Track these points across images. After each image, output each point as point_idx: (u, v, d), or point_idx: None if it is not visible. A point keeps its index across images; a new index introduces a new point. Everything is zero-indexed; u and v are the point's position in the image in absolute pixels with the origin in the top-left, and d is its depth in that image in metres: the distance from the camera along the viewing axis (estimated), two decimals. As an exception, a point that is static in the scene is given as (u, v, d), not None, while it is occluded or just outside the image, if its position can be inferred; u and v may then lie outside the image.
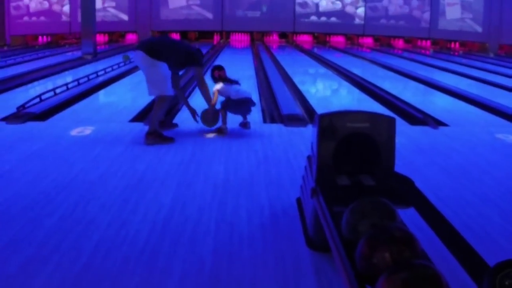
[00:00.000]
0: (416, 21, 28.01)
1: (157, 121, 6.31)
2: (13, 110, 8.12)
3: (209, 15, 27.43)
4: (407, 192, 3.50)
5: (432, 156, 6.08)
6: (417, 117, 8.27)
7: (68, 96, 9.76)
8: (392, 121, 3.46)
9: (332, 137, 3.35)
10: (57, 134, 6.87)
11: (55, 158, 5.71)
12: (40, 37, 28.38)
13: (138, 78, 10.80)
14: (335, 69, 15.13)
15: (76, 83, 11.26)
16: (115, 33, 27.97)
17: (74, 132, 6.93)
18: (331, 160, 3.37)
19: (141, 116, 7.99)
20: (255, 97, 9.50)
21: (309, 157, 3.77)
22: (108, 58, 18.02)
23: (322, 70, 15.72)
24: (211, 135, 6.71)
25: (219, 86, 6.73)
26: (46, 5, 27.64)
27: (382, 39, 28.45)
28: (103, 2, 27.24)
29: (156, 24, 27.21)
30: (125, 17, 27.44)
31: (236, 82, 6.82)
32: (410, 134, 7.02)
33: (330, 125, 3.35)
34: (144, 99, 8.58)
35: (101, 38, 27.02)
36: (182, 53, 6.55)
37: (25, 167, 5.37)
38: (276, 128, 7.25)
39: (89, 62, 16.94)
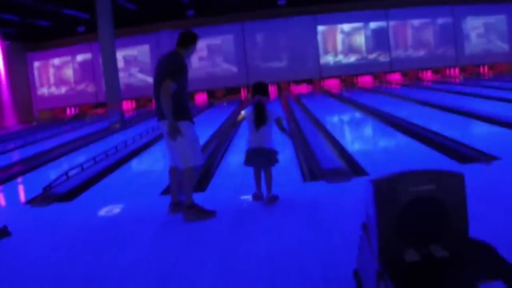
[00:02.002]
0: (442, 51, 27.50)
1: (192, 192, 5.78)
2: (40, 190, 7.79)
3: (234, 70, 27.28)
4: (488, 262, 2.89)
5: (496, 200, 5.39)
6: (465, 154, 7.65)
7: (96, 171, 9.41)
8: (460, 178, 2.90)
9: (392, 206, 2.78)
10: (85, 216, 6.48)
11: (83, 245, 5.29)
12: (68, 109, 28.58)
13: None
14: (367, 111, 14.58)
15: (104, 155, 10.94)
16: (142, 99, 27.87)
17: (103, 212, 6.50)
18: (394, 233, 2.81)
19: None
20: (289, 151, 9.09)
21: (364, 226, 3.22)
22: (137, 125, 17.83)
23: (354, 113, 15.17)
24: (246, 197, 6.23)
25: (244, 112, 6.17)
26: (71, 77, 27.88)
27: (410, 73, 27.93)
28: (127, 67, 27.33)
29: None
30: (150, 80, 27.34)
31: (260, 124, 5.91)
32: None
33: (389, 192, 2.79)
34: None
35: (128, 105, 27.07)
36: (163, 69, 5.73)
37: (50, 259, 4.95)
38: (318, 186, 6.66)
39: (117, 131, 16.75)
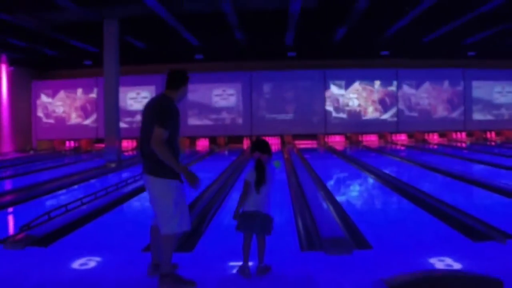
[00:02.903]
0: (450, 114, 27.22)
1: (170, 260, 5.11)
2: (17, 229, 7.31)
3: (239, 120, 26.88)
4: None
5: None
6: (478, 229, 7.06)
7: (81, 213, 8.82)
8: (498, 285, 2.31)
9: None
10: (57, 266, 5.89)
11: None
12: (67, 142, 28.15)
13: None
14: (372, 172, 13.99)
15: (93, 197, 10.37)
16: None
17: (77, 264, 5.90)
18: None
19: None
20: (287, 213, 8.46)
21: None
22: (133, 166, 17.25)
23: (358, 174, 14.54)
24: (236, 263, 5.52)
25: (248, 175, 5.47)
26: (74, 109, 27.51)
27: (416, 134, 27.54)
28: (131, 104, 26.97)
29: (184, 130, 26.64)
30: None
31: (260, 184, 5.32)
32: (477, 256, 5.78)
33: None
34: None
35: (128, 144, 26.64)
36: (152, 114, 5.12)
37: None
38: (315, 258, 5.97)
39: (112, 170, 16.20)
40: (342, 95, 26.99)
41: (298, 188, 11.17)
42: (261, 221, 5.30)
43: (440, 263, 5.49)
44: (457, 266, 5.39)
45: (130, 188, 11.74)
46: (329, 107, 26.89)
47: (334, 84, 26.95)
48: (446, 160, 16.84)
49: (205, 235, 7.13)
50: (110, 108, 17.73)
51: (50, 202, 10.44)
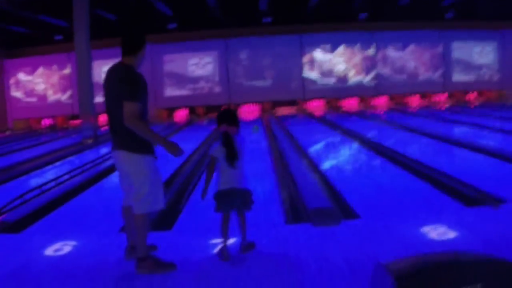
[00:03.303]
0: (429, 76, 27.02)
1: (145, 242, 4.78)
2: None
3: (217, 88, 26.45)
4: None
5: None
6: (467, 194, 6.84)
7: (56, 194, 8.47)
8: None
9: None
10: (30, 253, 5.51)
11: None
12: (43, 120, 27.57)
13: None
14: (354, 137, 13.75)
15: (68, 176, 10.02)
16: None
17: (50, 250, 5.53)
18: None
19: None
20: (270, 185, 8.16)
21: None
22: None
23: (340, 140, 14.29)
24: (218, 241, 5.15)
25: (214, 151, 4.99)
26: (48, 86, 26.85)
27: (396, 97, 27.31)
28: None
29: (161, 101, 26.24)
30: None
31: (234, 159, 4.89)
32: (470, 222, 5.53)
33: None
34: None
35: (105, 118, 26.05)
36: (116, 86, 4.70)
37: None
38: (302, 231, 5.63)
39: (89, 147, 15.78)
40: (320, 60, 26.62)
41: (280, 157, 10.90)
42: (240, 197, 4.93)
43: (434, 232, 5.24)
44: (451, 235, 5.15)
45: (108, 164, 11.36)
46: (306, 73, 26.52)
47: (310, 49, 26.53)
48: (428, 123, 16.67)
49: (185, 211, 6.81)
50: (83, 83, 17.18)
51: (25, 184, 10.05)
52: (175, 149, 4.60)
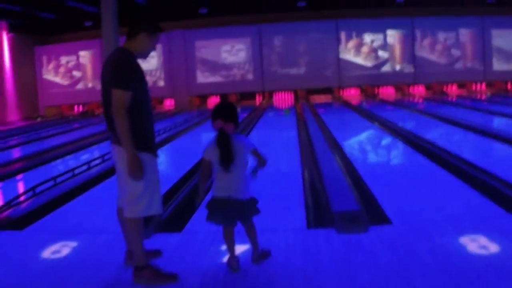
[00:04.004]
0: (469, 65, 25.93)
1: (142, 249, 4.24)
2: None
3: (250, 76, 25.88)
4: None
5: None
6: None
7: (66, 188, 8.01)
8: None
9: None
10: (28, 254, 5.04)
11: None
12: (75, 106, 27.43)
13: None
14: (391, 129, 12.99)
15: (87, 166, 9.58)
16: (152, 99, 26.61)
17: (48, 252, 5.04)
18: None
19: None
20: (294, 182, 7.55)
21: None
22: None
23: (376, 133, 13.47)
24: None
25: (206, 152, 4.28)
26: (79, 73, 26.65)
27: (434, 86, 26.33)
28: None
29: (194, 88, 25.82)
30: (161, 82, 26.10)
31: (229, 163, 4.15)
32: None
33: None
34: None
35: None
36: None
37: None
38: (324, 237, 4.96)
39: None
40: (356, 46, 25.80)
41: (310, 151, 10.24)
42: (237, 210, 4.19)
43: (473, 244, 4.56)
44: (493, 247, 4.47)
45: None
46: (342, 59, 25.73)
47: (348, 35, 25.72)
48: (470, 114, 15.77)
49: (200, 211, 6.19)
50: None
51: (43, 175, 9.65)
52: (136, 170, 4.01)
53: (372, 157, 10.21)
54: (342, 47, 25.71)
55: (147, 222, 5.06)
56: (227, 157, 4.13)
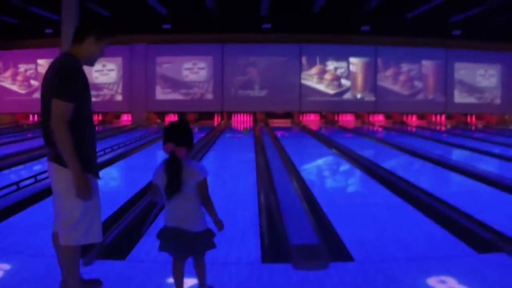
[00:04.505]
0: (431, 96, 26.14)
1: (77, 281, 3.77)
2: None
3: (209, 95, 25.51)
4: None
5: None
6: (477, 233, 5.87)
7: (18, 198, 7.46)
8: None
9: None
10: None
11: None
12: (30, 115, 26.70)
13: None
14: (351, 157, 12.74)
15: (33, 179, 9.01)
16: (109, 114, 26.16)
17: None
18: None
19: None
20: (250, 208, 7.10)
21: None
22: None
23: (336, 160, 13.23)
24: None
25: (155, 176, 3.81)
26: (36, 81, 25.86)
27: (394, 116, 26.40)
28: (96, 77, 25.44)
29: (152, 104, 25.35)
30: (119, 96, 25.55)
31: (172, 191, 3.66)
32: (487, 277, 4.50)
33: None
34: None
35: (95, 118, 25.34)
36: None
37: None
38: (280, 273, 4.53)
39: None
40: (319, 73, 25.70)
41: (267, 173, 9.89)
42: (187, 242, 3.69)
43: (442, 285, 4.24)
44: (462, 288, 4.16)
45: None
46: (304, 84, 25.58)
47: (312, 60, 25.61)
48: (430, 145, 15.69)
49: (148, 235, 5.73)
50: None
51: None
52: (83, 188, 3.56)
53: (331, 184, 9.89)
54: (304, 72, 25.57)
55: (89, 247, 4.57)
56: (172, 185, 3.64)
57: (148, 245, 5.33)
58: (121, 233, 5.86)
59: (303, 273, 4.52)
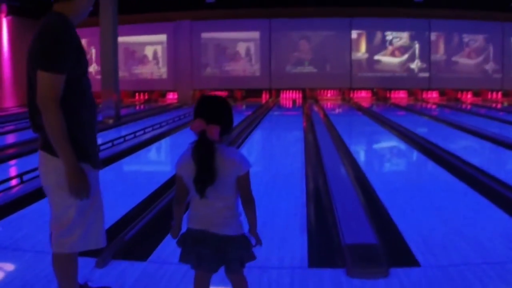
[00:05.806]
0: (487, 72, 24.71)
1: None
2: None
3: (257, 72, 24.76)
4: None
5: None
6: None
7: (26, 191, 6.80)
8: None
9: None
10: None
11: None
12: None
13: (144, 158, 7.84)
14: (402, 134, 11.80)
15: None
16: (154, 92, 25.76)
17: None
18: None
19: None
20: (296, 197, 6.24)
21: None
22: (135, 122, 15.38)
23: (387, 137, 12.29)
24: None
25: (179, 165, 2.87)
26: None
27: (448, 92, 25.03)
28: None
29: (198, 82, 24.74)
30: (164, 75, 25.10)
31: (204, 185, 2.70)
32: None
33: None
34: (113, 213, 5.33)
35: (140, 97, 25.66)
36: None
37: None
38: (330, 280, 3.70)
39: (110, 127, 14.28)
40: (369, 47, 24.64)
41: (316, 157, 9.01)
42: (214, 250, 2.79)
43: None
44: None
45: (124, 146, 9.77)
46: (355, 60, 24.57)
47: (361, 34, 24.53)
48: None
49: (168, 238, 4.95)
50: (107, 58, 15.70)
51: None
52: (78, 183, 2.80)
53: (385, 166, 9.00)
54: (354, 46, 24.55)
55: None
56: (204, 176, 2.70)
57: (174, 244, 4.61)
58: (143, 229, 5.07)
59: (357, 282, 3.70)
